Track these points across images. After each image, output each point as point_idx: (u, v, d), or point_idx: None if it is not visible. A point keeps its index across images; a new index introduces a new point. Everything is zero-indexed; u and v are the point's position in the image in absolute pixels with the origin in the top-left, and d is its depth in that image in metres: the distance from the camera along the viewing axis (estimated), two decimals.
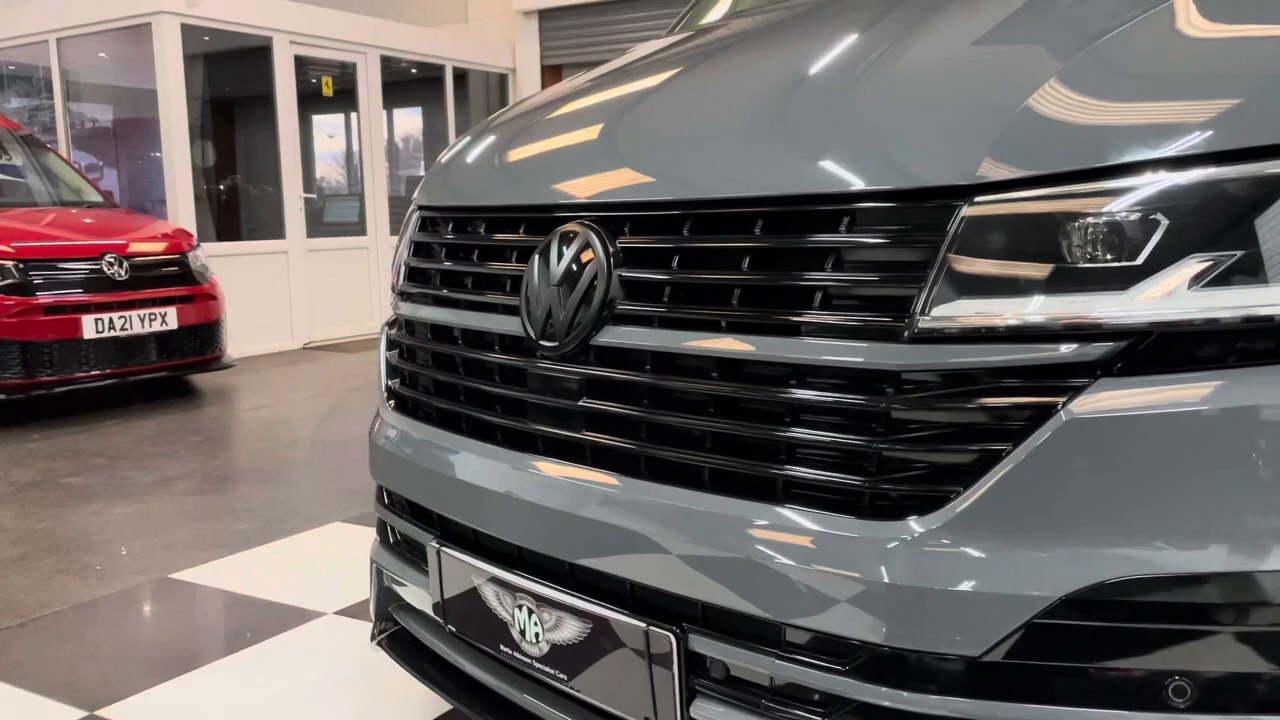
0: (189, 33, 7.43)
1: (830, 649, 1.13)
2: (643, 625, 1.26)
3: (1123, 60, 1.16)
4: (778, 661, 1.16)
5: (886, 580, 1.07)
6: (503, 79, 10.44)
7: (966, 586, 1.04)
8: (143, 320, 5.52)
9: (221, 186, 9.30)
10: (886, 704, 1.09)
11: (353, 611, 2.66)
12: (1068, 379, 1.03)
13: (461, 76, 10.01)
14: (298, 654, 2.44)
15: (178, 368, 5.78)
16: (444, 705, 2.09)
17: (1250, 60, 1.13)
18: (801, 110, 1.33)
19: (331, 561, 3.09)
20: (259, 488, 3.97)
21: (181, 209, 7.31)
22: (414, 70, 9.65)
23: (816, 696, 1.15)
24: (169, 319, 5.65)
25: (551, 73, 10.31)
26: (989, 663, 1.04)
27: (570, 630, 1.36)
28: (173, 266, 5.79)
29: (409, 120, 10.90)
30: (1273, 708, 0.97)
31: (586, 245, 1.38)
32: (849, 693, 1.11)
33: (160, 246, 5.83)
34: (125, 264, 5.52)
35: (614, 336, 1.34)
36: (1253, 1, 1.23)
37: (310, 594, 2.80)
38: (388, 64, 9.05)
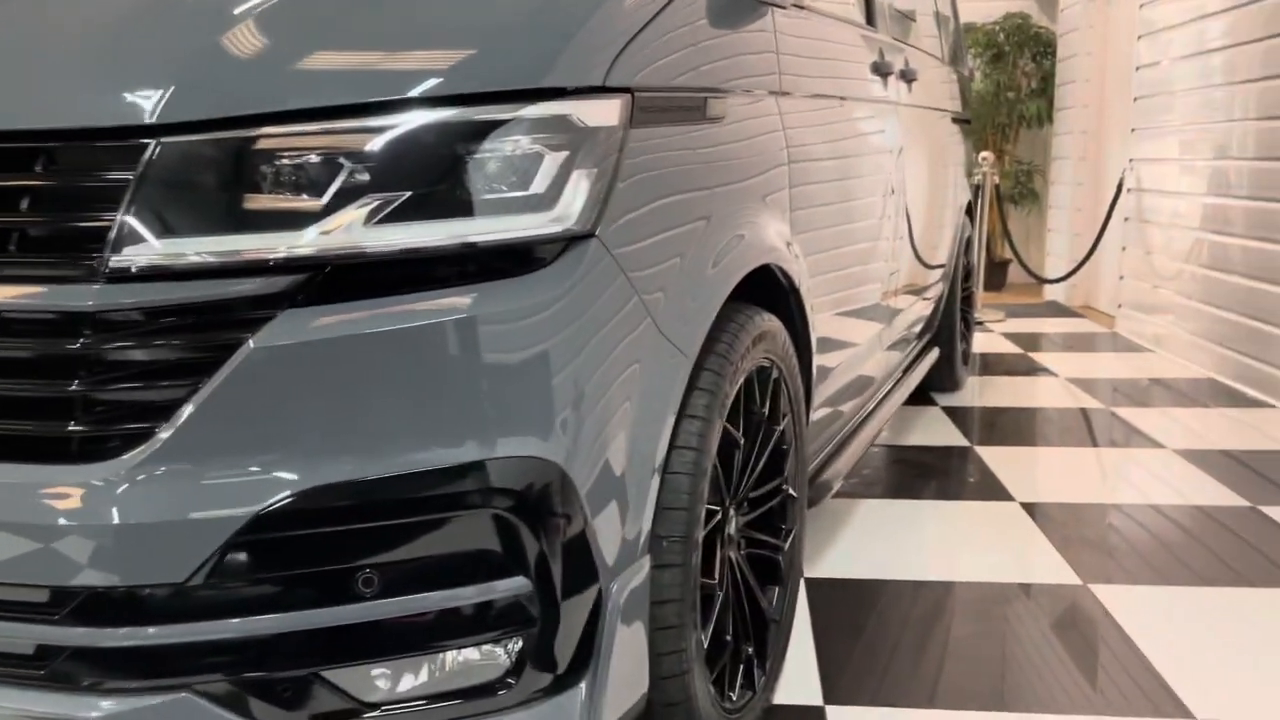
0: None
1: (46, 599, 1.11)
2: None
3: (316, 7, 1.25)
4: None
5: (91, 522, 1.07)
6: None
7: (169, 517, 1.08)
8: None
9: None
10: (106, 644, 1.10)
11: None
12: (254, 311, 1.10)
13: None
14: None
15: None
16: None
17: (437, 11, 1.26)
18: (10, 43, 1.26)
19: None
20: None
21: None
22: None
23: (33, 650, 1.12)
24: None
25: None
26: (197, 585, 1.09)
27: None
28: None
29: None
30: (441, 584, 1.14)
31: None
32: (66, 640, 1.10)
33: None
34: None
35: None
36: None
37: None
38: None
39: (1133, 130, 5.64)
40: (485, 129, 1.17)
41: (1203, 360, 4.70)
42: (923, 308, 3.48)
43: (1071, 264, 6.52)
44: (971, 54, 7.14)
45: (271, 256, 1.10)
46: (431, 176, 1.15)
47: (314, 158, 1.13)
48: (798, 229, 1.89)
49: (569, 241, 1.22)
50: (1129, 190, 5.66)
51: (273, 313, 1.10)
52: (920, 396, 4.11)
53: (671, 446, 1.40)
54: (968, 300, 4.55)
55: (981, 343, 5.30)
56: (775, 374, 1.76)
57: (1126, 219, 5.69)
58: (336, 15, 1.25)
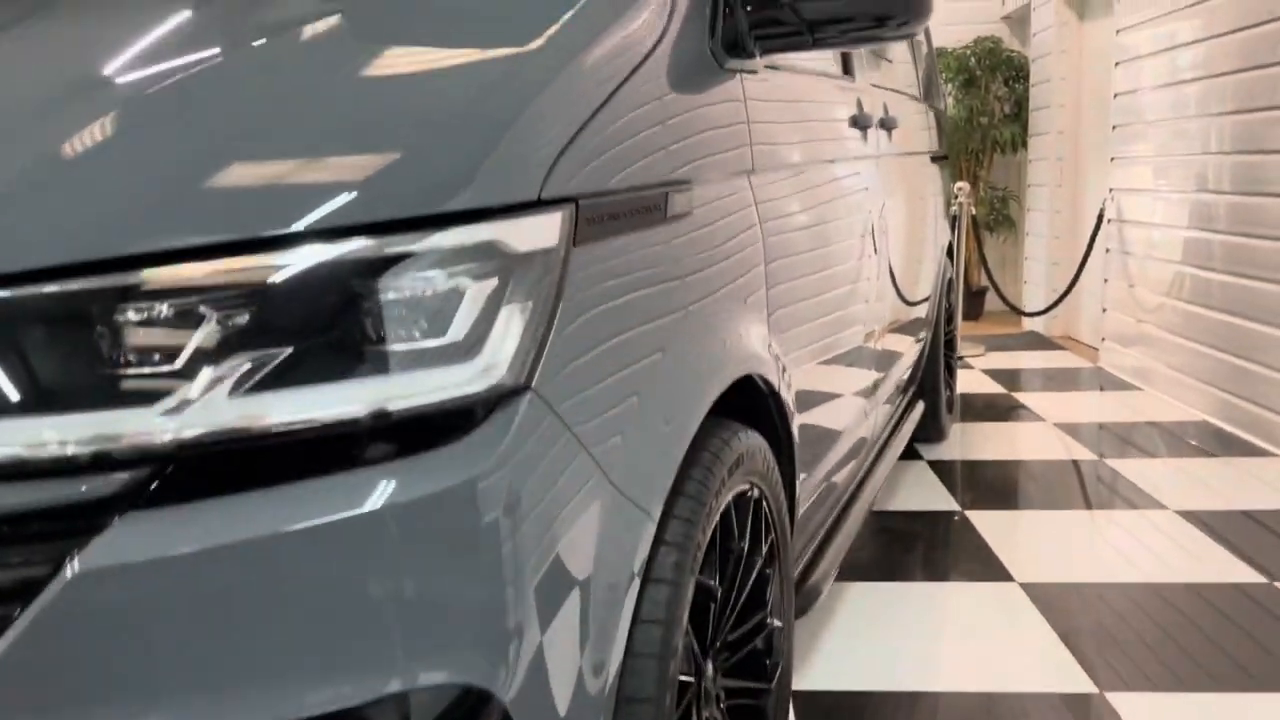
0: None
1: None
2: None
3: (161, 118, 0.99)
4: None
5: None
6: None
7: None
8: None
9: None
10: None
11: None
12: (79, 521, 0.84)
13: None
14: None
15: None
16: None
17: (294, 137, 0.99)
18: None
19: None
20: None
21: None
22: None
23: None
24: None
25: None
26: None
27: None
28: None
29: None
30: None
31: None
32: None
33: None
34: None
35: None
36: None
37: None
38: None
39: (1112, 159, 5.48)
40: (387, 264, 0.92)
41: (1192, 400, 4.52)
42: (907, 362, 3.27)
43: (1049, 292, 6.36)
44: (943, 78, 6.97)
45: (102, 447, 0.85)
46: (317, 328, 0.90)
47: (162, 309, 0.88)
48: (775, 315, 1.66)
49: (499, 399, 0.97)
50: (1109, 221, 5.49)
51: (106, 520, 0.84)
52: (904, 447, 3.89)
53: (634, 621, 1.16)
54: (950, 344, 4.35)
55: (962, 380, 5.10)
56: (755, 494, 1.52)
57: (1108, 250, 5.52)
58: (190, 129, 0.98)
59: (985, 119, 7.12)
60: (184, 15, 1.22)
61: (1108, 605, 2.54)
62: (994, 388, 5.11)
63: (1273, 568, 2.74)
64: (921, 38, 4.02)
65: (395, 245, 0.93)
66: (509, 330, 0.98)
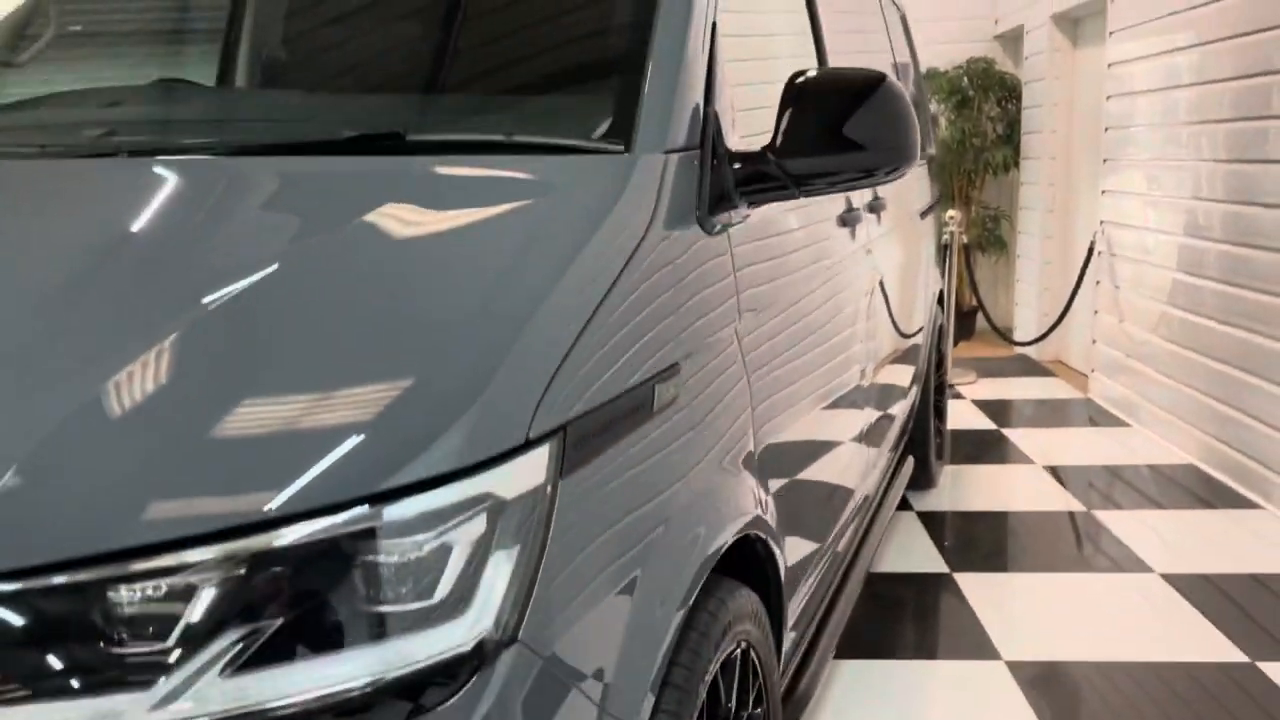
0: None
1: None
2: None
3: (150, 396, 1.00)
4: None
5: None
6: None
7: None
8: None
9: None
10: None
11: None
12: None
13: None
14: None
15: None
16: None
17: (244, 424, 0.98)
18: None
19: None
20: None
21: None
22: None
23: None
24: None
25: None
26: None
27: None
28: None
29: None
30: None
31: None
32: None
33: None
34: None
35: None
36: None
37: None
38: None
39: (1103, 192, 5.50)
40: (376, 533, 0.94)
41: (1180, 441, 4.55)
42: (901, 414, 3.28)
43: (1041, 315, 6.39)
44: (936, 99, 6.97)
45: None
46: (307, 602, 0.92)
47: (152, 594, 0.89)
48: (763, 450, 1.67)
49: (488, 652, 0.99)
50: (1099, 253, 5.51)
51: None
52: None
53: None
54: (940, 389, 4.37)
55: (953, 413, 5.11)
56: (744, 647, 1.54)
57: (1098, 282, 5.54)
58: (171, 404, 0.99)
59: (978, 140, 7.12)
60: (144, 260, 1.23)
61: (1091, 688, 2.57)
62: (984, 423, 5.14)
63: (1256, 649, 2.77)
64: (915, 86, 4.02)
65: (383, 514, 0.94)
66: (497, 578, 0.99)
